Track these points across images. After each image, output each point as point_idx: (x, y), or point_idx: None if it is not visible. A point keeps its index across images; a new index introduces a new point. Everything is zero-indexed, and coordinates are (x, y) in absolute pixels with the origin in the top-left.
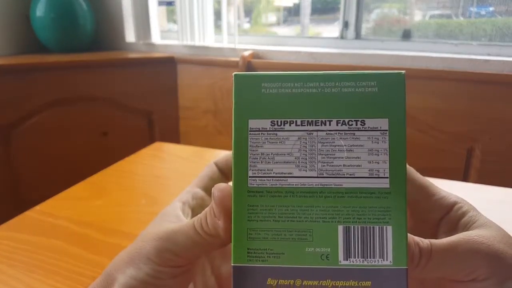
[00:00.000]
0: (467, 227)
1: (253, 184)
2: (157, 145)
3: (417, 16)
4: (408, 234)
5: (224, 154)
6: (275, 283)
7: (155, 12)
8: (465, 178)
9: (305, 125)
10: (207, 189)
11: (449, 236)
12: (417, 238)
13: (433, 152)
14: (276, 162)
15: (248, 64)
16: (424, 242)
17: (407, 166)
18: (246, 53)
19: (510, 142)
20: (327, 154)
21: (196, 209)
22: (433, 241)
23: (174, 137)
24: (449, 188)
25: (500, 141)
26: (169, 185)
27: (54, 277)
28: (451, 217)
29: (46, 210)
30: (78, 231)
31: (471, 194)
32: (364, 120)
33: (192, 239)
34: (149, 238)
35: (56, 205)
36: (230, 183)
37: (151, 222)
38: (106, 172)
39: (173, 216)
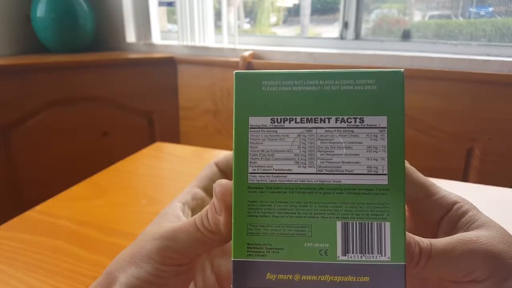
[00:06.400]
0: (467, 227)
1: (253, 180)
2: (157, 145)
3: (417, 17)
4: (409, 233)
5: (224, 154)
6: (274, 278)
7: (156, 12)
8: (464, 178)
9: (304, 122)
10: (207, 190)
11: (449, 235)
12: (417, 238)
13: (432, 152)
14: (276, 159)
15: (248, 64)
16: (424, 241)
17: (408, 165)
18: (246, 54)
19: (510, 142)
20: (326, 151)
21: (196, 209)
22: (433, 241)
23: (174, 137)
24: (449, 188)
25: (499, 141)
26: (169, 185)
27: (54, 277)
28: (451, 216)
29: (47, 210)
30: (78, 231)
31: (471, 194)
32: (363, 118)
33: (193, 236)
34: (150, 238)
35: (57, 205)
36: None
37: (151, 223)
38: (106, 172)
39: (173, 216)
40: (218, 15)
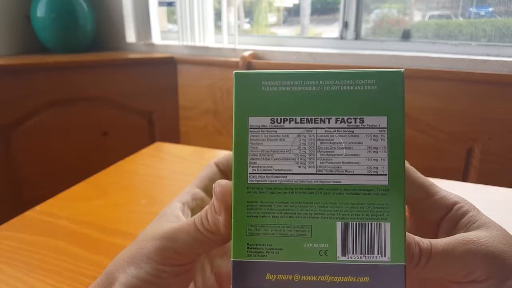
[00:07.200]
0: (467, 227)
1: (253, 181)
2: (157, 145)
3: (417, 17)
4: (409, 234)
5: (224, 154)
6: (274, 278)
7: (156, 12)
8: (464, 178)
9: (304, 123)
10: (207, 190)
11: (450, 236)
12: (417, 238)
13: (432, 152)
14: (276, 159)
15: (248, 64)
16: (424, 242)
17: (408, 165)
18: (246, 54)
19: (510, 142)
20: (326, 151)
21: (195, 209)
22: (433, 241)
23: (174, 137)
24: (449, 188)
25: (499, 141)
26: (169, 185)
27: (54, 276)
28: (451, 217)
29: (47, 210)
30: (78, 231)
31: (471, 194)
32: (363, 118)
33: (193, 237)
34: (149, 238)
35: (57, 205)
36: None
37: (150, 223)
38: (106, 172)
39: (172, 217)
40: (218, 15)
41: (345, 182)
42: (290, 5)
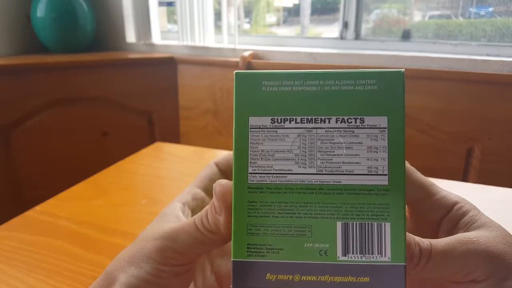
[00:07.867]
0: (467, 227)
1: (253, 181)
2: (157, 145)
3: (417, 17)
4: (409, 234)
5: (224, 154)
6: (274, 278)
7: (156, 12)
8: (464, 178)
9: (304, 123)
10: (207, 190)
11: (450, 236)
12: (417, 238)
13: (432, 152)
14: (276, 159)
15: (248, 64)
16: (424, 242)
17: (408, 165)
18: (246, 54)
19: (510, 142)
20: (326, 151)
21: (196, 210)
22: (433, 241)
23: (174, 137)
24: (449, 188)
25: (499, 141)
26: (169, 185)
27: (54, 276)
28: (451, 217)
29: (47, 210)
30: (78, 231)
31: (471, 194)
32: (363, 118)
33: (193, 237)
34: (150, 238)
35: (57, 205)
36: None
37: (151, 223)
38: (106, 172)
39: (173, 217)
40: (218, 15)
41: (345, 182)
42: (290, 5)
